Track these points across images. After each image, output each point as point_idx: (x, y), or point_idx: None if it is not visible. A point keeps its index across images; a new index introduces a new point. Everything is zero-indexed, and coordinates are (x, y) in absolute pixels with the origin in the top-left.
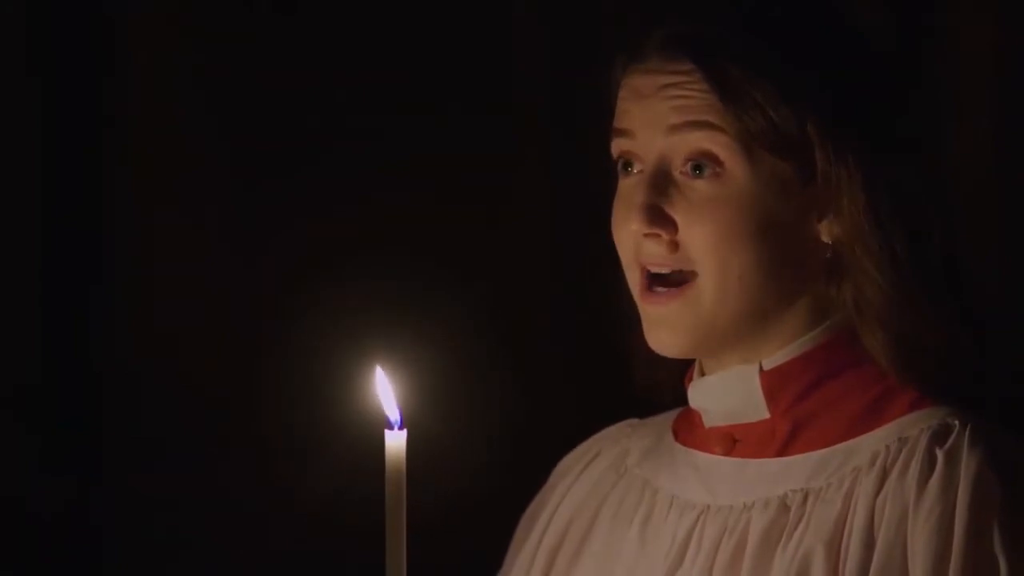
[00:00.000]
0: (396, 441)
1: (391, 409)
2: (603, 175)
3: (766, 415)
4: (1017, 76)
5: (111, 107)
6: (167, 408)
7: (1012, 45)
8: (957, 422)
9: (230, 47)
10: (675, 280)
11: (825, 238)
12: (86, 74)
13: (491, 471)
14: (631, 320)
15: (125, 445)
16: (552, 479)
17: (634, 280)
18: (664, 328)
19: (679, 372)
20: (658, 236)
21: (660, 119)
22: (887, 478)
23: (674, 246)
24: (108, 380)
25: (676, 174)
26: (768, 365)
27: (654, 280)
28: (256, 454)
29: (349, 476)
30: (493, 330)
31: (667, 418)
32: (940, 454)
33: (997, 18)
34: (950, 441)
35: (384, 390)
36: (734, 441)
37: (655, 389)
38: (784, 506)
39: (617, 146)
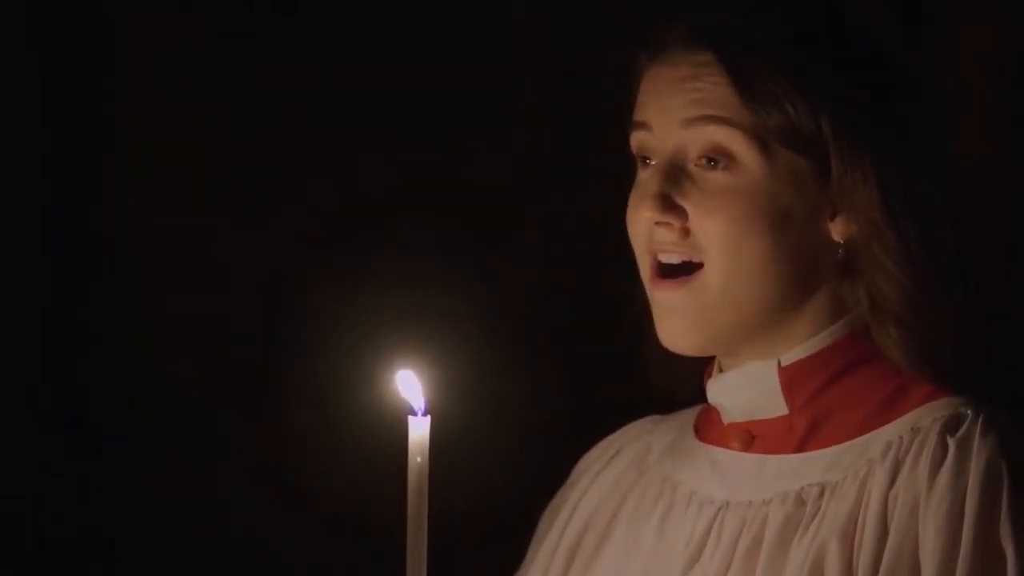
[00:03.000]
0: (419, 428)
1: (415, 397)
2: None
3: (784, 411)
4: (1017, 76)
5: (111, 107)
6: (172, 408)
7: (1012, 45)
8: (970, 411)
9: (230, 46)
10: (684, 270)
11: (837, 237)
12: (86, 74)
13: (516, 468)
14: (648, 318)
15: (129, 445)
16: (573, 475)
17: (645, 269)
18: (673, 317)
19: (698, 371)
20: (669, 224)
21: (676, 111)
22: (900, 469)
23: (685, 233)
24: (110, 380)
25: (691, 166)
26: (786, 361)
27: (664, 270)
28: (264, 453)
29: (363, 474)
30: (508, 328)
31: (689, 414)
32: (952, 443)
33: (997, 18)
34: (962, 430)
35: (411, 380)
36: (752, 437)
37: (673, 388)
38: (800, 500)
39: (635, 139)
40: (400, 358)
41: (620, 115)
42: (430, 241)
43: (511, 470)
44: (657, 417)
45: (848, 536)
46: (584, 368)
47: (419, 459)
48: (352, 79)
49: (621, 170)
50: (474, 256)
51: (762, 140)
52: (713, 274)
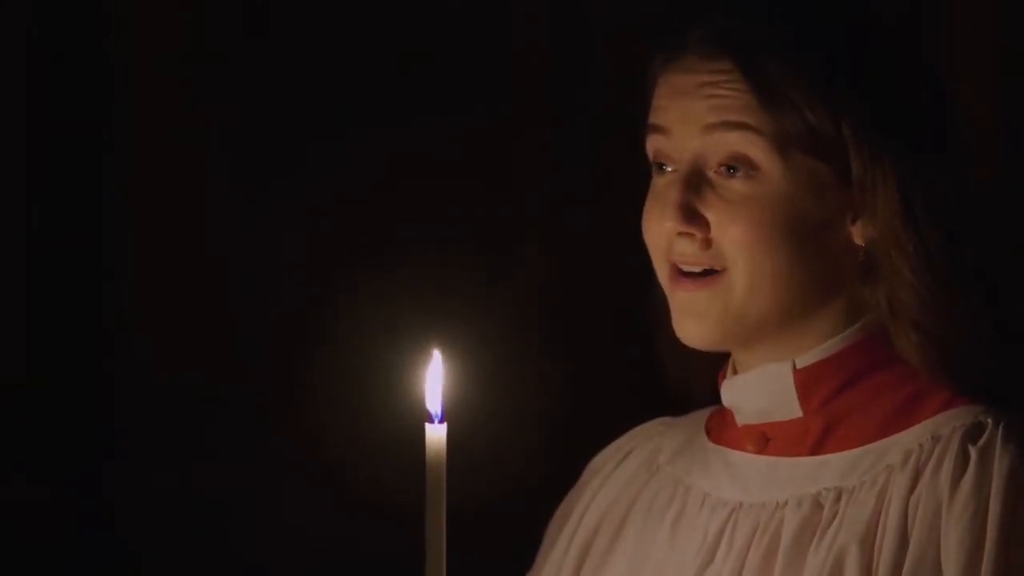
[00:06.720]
0: (436, 435)
1: (432, 402)
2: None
3: (799, 413)
4: (1017, 76)
5: (111, 106)
6: (178, 407)
7: (1012, 45)
8: (990, 420)
9: (230, 45)
10: (705, 273)
11: (858, 240)
12: (85, 74)
13: (528, 468)
14: (663, 317)
15: (138, 446)
16: (584, 476)
17: (663, 273)
18: (692, 316)
19: (713, 371)
20: (692, 235)
21: (696, 117)
22: (920, 476)
23: (706, 244)
24: (121, 381)
25: (710, 173)
26: (801, 363)
27: (683, 273)
28: (280, 452)
29: (388, 473)
30: (522, 331)
31: (700, 416)
32: (973, 452)
33: (997, 18)
34: (983, 439)
35: (428, 383)
36: (767, 439)
37: (689, 388)
38: (817, 505)
39: (652, 143)
40: (418, 361)
41: (628, 113)
42: (441, 250)
43: (524, 470)
44: (668, 419)
45: (868, 542)
46: (596, 369)
47: (437, 467)
48: (356, 76)
49: (633, 172)
50: (486, 263)
51: (783, 146)
52: (736, 279)
